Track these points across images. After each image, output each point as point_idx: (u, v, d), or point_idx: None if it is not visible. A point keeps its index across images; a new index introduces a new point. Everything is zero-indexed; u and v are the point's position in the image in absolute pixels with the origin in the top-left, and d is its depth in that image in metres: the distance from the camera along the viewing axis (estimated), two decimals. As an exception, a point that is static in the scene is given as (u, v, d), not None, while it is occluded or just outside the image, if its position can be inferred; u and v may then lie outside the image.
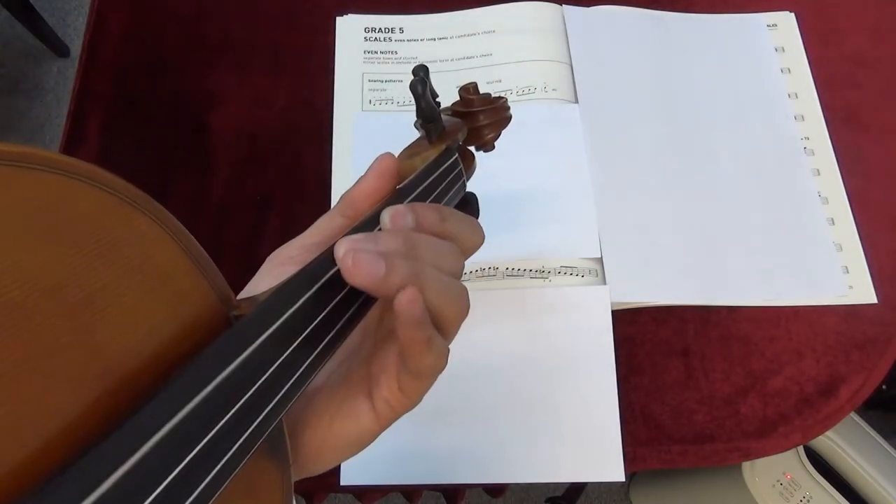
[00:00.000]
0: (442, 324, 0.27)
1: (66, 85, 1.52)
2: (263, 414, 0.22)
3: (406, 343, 0.26)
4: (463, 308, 0.28)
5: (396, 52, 0.65)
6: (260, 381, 0.22)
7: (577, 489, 1.19)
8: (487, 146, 0.39)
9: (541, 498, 1.27)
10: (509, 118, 0.39)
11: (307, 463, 0.29)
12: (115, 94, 0.64)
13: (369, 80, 0.64)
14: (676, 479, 1.14)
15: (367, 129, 0.61)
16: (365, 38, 0.66)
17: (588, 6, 0.68)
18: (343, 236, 0.26)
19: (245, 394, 0.21)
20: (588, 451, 0.51)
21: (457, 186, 0.35)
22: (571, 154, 0.61)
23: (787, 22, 0.69)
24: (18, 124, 1.49)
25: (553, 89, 0.63)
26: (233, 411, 0.20)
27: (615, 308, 0.55)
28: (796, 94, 0.65)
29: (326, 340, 0.25)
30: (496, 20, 0.66)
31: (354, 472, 0.51)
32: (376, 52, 0.65)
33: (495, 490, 0.72)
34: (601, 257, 0.57)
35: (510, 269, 0.56)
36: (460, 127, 0.36)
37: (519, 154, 0.61)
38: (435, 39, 0.66)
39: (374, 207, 0.30)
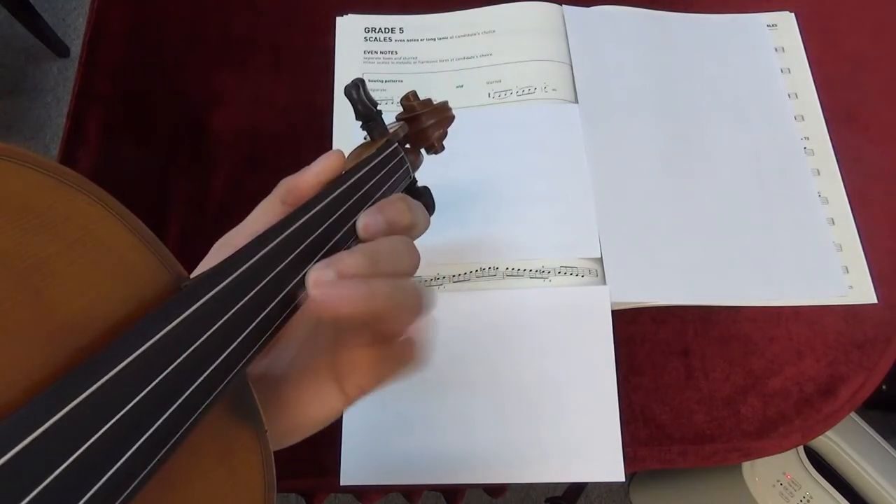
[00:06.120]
0: (406, 323, 0.29)
1: (66, 85, 1.52)
2: (209, 371, 0.23)
3: (377, 325, 0.28)
4: (421, 306, 0.30)
5: (396, 52, 0.65)
6: (204, 338, 0.23)
7: (577, 489, 1.20)
8: (436, 146, 0.42)
9: (541, 498, 1.27)
10: (452, 117, 0.43)
11: (279, 440, 0.31)
12: (115, 94, 0.64)
13: (369, 80, 0.64)
14: (676, 479, 1.14)
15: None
16: (365, 38, 0.66)
17: (588, 6, 0.68)
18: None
19: (189, 348, 0.22)
20: (588, 451, 0.51)
21: (400, 172, 0.38)
22: (571, 154, 0.61)
23: (787, 22, 0.69)
24: (18, 124, 1.49)
25: (553, 89, 0.63)
26: (176, 364, 0.22)
27: (615, 308, 0.55)
28: (796, 94, 0.65)
29: (274, 304, 0.27)
30: (496, 20, 0.66)
31: (354, 472, 0.51)
32: (376, 52, 0.65)
33: (495, 490, 0.72)
34: (601, 257, 0.57)
35: (510, 269, 0.56)
36: (402, 126, 0.40)
37: (519, 154, 0.61)
38: (435, 39, 0.66)
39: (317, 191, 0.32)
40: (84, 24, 0.68)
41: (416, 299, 0.29)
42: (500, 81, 0.64)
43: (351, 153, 0.37)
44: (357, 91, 0.36)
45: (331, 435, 0.51)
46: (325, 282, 0.26)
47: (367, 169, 0.34)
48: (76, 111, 0.62)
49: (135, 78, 0.65)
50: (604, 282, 0.56)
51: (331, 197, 0.31)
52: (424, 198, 0.40)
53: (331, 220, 0.30)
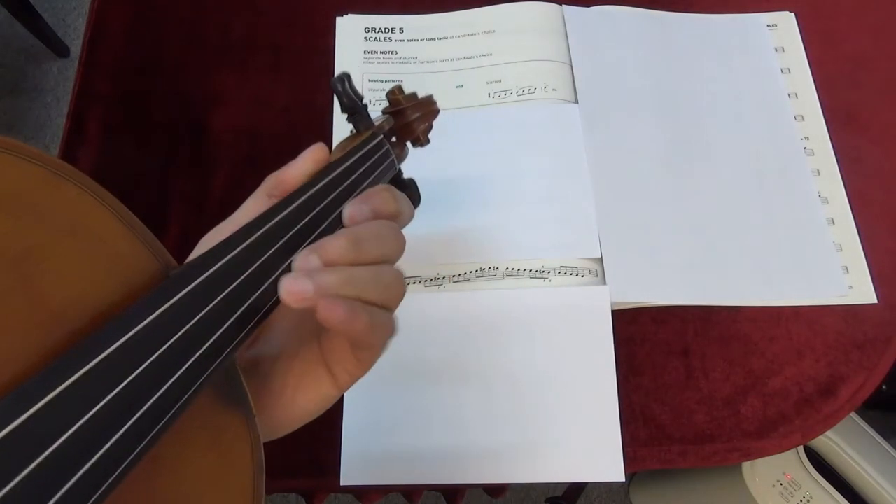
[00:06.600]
0: (386, 307, 0.29)
1: (66, 85, 1.52)
2: (195, 357, 0.23)
3: (350, 336, 0.28)
4: (397, 293, 0.29)
5: (396, 52, 0.65)
6: (190, 324, 0.23)
7: (577, 489, 1.20)
8: (421, 140, 0.43)
9: (541, 498, 1.27)
10: (437, 111, 0.44)
11: (273, 431, 0.31)
12: (115, 94, 0.64)
13: (369, 80, 0.64)
14: (676, 479, 1.14)
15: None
16: (365, 38, 0.66)
17: (588, 6, 0.68)
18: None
19: (176, 335, 0.23)
20: (588, 451, 0.51)
21: (385, 164, 0.38)
22: (571, 154, 0.61)
23: (787, 22, 0.69)
24: (18, 124, 1.49)
25: (553, 89, 0.63)
26: (163, 350, 0.22)
27: (615, 308, 0.55)
28: (796, 94, 0.65)
29: (259, 292, 0.27)
30: (496, 20, 0.66)
31: (354, 472, 0.51)
32: (376, 52, 0.65)
33: (495, 490, 0.72)
34: (601, 257, 0.57)
35: (510, 269, 0.56)
36: (387, 119, 0.40)
37: (519, 154, 0.61)
38: (435, 39, 0.66)
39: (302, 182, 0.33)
40: (84, 24, 0.68)
41: (399, 286, 0.29)
42: (500, 81, 0.64)
43: (337, 145, 0.38)
44: (342, 84, 0.37)
45: (331, 435, 0.52)
46: (304, 287, 0.25)
47: (352, 160, 0.34)
48: (76, 111, 0.62)
49: (135, 78, 0.65)
50: (604, 282, 0.56)
51: (316, 187, 0.31)
52: (410, 190, 0.41)
53: (316, 210, 0.31)
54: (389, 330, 0.29)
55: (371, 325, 0.27)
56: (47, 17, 1.47)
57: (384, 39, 0.66)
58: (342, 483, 0.51)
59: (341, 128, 0.61)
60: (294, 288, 0.25)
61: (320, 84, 0.64)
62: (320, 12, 0.67)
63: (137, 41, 0.66)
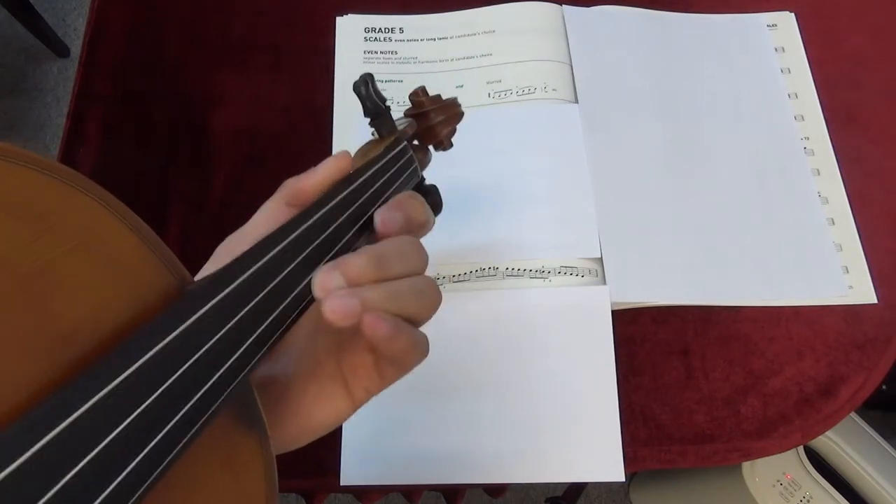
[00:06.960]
0: (418, 321, 0.28)
1: (66, 85, 1.52)
2: (215, 377, 0.23)
3: (391, 353, 0.27)
4: (435, 301, 0.29)
5: (396, 52, 0.65)
6: (210, 343, 0.22)
7: (577, 489, 1.20)
8: (444, 144, 0.41)
9: (541, 498, 1.27)
10: (461, 113, 0.42)
11: (285, 446, 0.31)
12: (115, 94, 0.64)
13: (369, 80, 0.64)
14: (676, 479, 1.14)
15: (368, 129, 0.61)
16: (365, 38, 0.66)
17: (588, 6, 0.68)
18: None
19: (195, 355, 0.22)
20: (588, 451, 0.51)
21: (409, 171, 0.37)
22: (571, 154, 0.61)
23: (787, 22, 0.69)
24: (18, 124, 1.49)
25: (553, 89, 0.63)
26: (181, 372, 0.21)
27: (615, 308, 0.55)
28: (796, 94, 0.65)
29: (281, 308, 0.26)
30: (496, 20, 0.66)
31: (354, 473, 0.51)
32: (376, 52, 0.65)
33: (495, 490, 0.72)
34: (601, 257, 0.57)
35: (510, 269, 0.56)
36: (410, 123, 0.39)
37: (519, 154, 0.61)
38: (435, 39, 0.66)
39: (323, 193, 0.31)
40: (84, 24, 0.68)
41: (435, 295, 0.29)
42: (500, 81, 0.64)
43: (358, 151, 0.36)
44: (366, 87, 0.35)
45: (331, 435, 0.51)
46: (335, 288, 0.25)
47: (375, 168, 0.33)
48: (76, 111, 0.62)
49: (135, 78, 0.65)
50: (604, 282, 0.56)
51: (339, 198, 0.30)
52: (432, 196, 0.40)
53: (339, 222, 0.30)
54: (424, 349, 0.28)
55: (413, 342, 0.27)
56: (47, 17, 1.47)
57: (384, 39, 0.66)
58: (342, 483, 0.51)
59: (342, 128, 0.61)
60: (339, 306, 0.24)
61: (320, 84, 0.64)
62: (320, 12, 0.67)
63: (137, 41, 0.66)
